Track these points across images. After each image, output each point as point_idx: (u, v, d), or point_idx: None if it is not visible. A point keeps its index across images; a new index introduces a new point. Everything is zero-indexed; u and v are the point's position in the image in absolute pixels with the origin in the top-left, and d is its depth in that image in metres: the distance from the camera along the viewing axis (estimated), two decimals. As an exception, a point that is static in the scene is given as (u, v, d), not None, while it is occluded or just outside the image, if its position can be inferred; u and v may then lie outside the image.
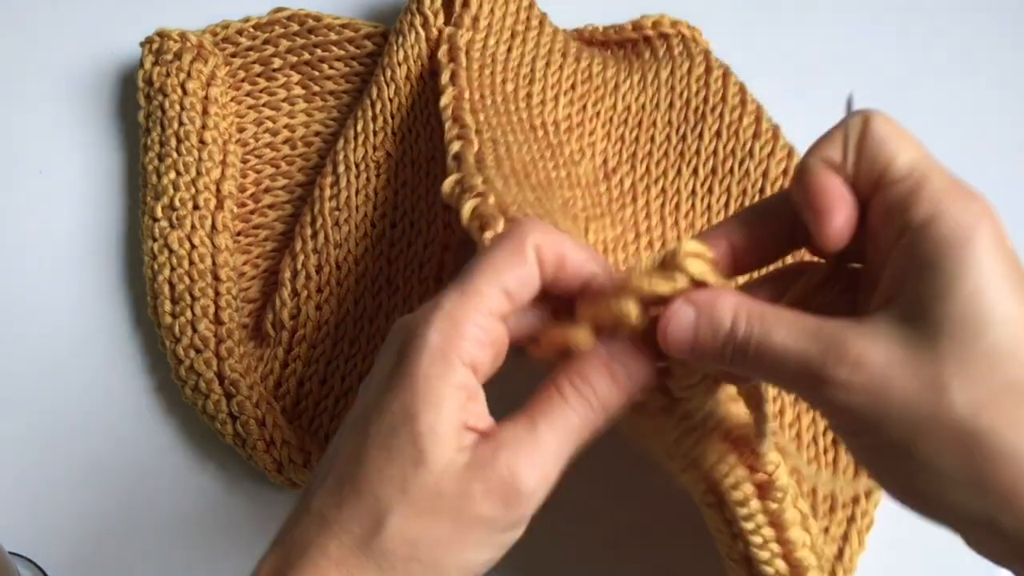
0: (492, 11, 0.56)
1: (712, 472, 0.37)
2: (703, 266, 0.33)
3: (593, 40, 0.61)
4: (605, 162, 0.56)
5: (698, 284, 0.33)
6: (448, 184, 0.43)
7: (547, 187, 0.49)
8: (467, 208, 0.42)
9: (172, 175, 0.55)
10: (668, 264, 0.33)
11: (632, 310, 0.33)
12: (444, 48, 0.53)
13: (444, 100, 0.49)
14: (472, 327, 0.32)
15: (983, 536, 0.30)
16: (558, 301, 0.35)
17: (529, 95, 0.55)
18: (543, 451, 0.32)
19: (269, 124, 0.60)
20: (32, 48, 0.63)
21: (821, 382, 0.30)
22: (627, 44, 0.61)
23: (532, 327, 0.35)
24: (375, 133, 0.56)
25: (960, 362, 0.28)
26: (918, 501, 0.31)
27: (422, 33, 0.57)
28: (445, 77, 0.51)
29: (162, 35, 0.59)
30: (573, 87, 0.57)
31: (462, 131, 0.47)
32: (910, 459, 0.29)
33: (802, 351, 0.30)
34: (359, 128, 0.56)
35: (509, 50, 0.56)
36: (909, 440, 0.29)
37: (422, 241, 0.55)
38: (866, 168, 0.32)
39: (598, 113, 0.58)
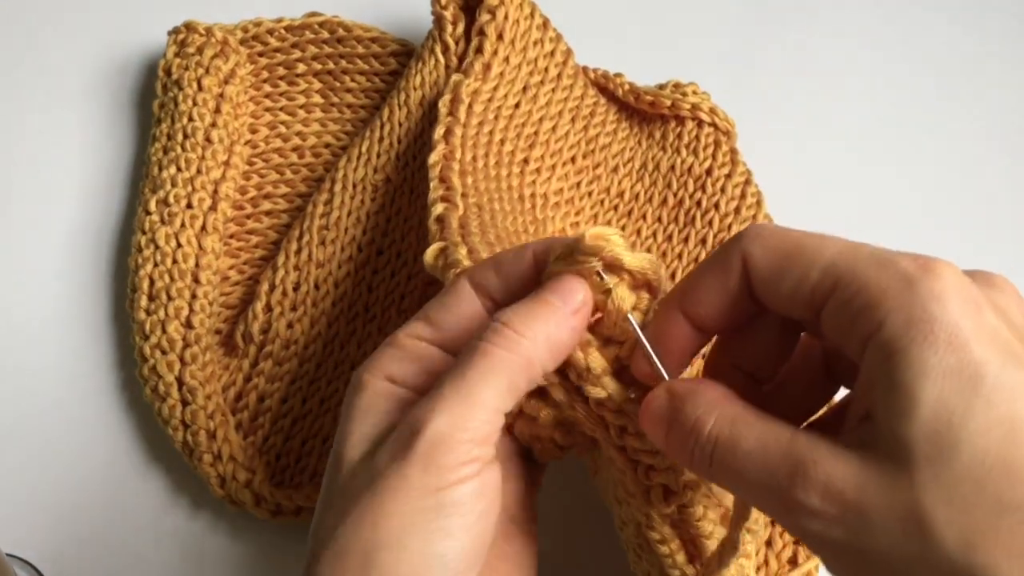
0: (507, 59, 0.54)
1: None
2: (615, 246, 0.31)
3: (615, 97, 0.59)
4: None
5: (614, 266, 0.32)
6: (431, 254, 0.41)
7: None
8: None
9: (172, 170, 0.55)
10: (576, 250, 0.32)
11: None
12: (446, 97, 0.51)
13: (433, 157, 0.47)
14: (388, 351, 0.33)
15: None
16: None
17: (526, 160, 0.53)
18: (443, 391, 0.30)
19: (282, 129, 0.59)
20: (69, 32, 0.64)
21: (791, 506, 0.27)
22: (646, 113, 0.59)
23: None
24: (379, 155, 0.55)
25: (940, 488, 0.24)
26: None
27: (441, 60, 0.56)
28: (439, 132, 0.49)
29: (189, 27, 0.59)
30: (573, 160, 0.55)
31: (447, 193, 0.45)
32: None
33: (769, 462, 0.27)
34: (364, 148, 0.55)
35: (517, 105, 0.53)
36: None
37: (407, 272, 0.54)
38: (782, 299, 0.29)
39: (590, 193, 0.55)
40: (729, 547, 0.33)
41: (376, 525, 0.29)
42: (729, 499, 0.35)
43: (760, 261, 0.29)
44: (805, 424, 0.32)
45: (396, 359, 0.33)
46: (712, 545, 0.35)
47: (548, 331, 0.31)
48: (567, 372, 0.33)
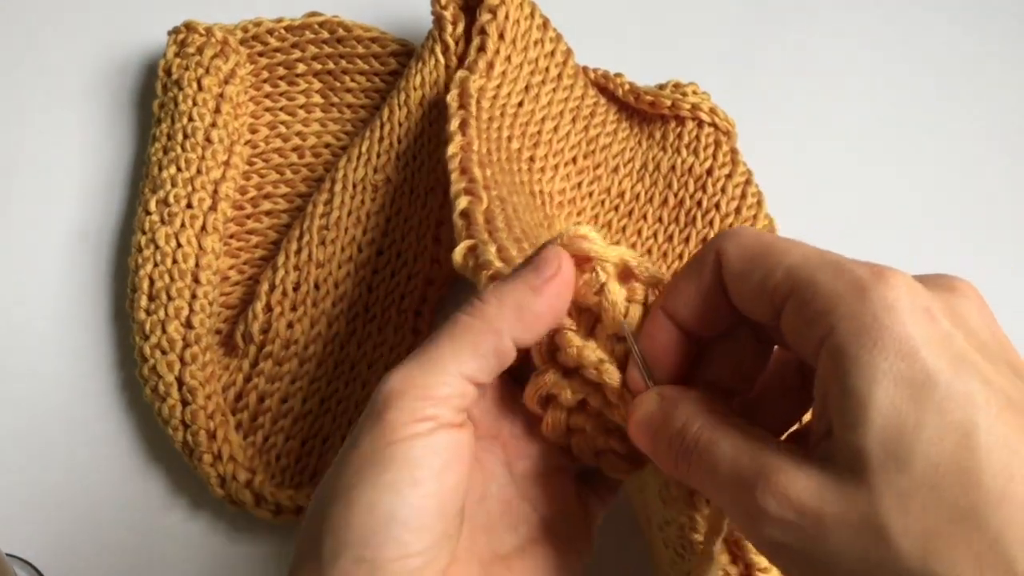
0: (509, 58, 0.54)
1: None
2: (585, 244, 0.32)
3: (615, 97, 0.59)
4: None
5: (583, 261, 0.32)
6: (460, 253, 0.40)
7: None
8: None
9: (172, 170, 0.54)
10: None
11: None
12: (455, 92, 0.50)
13: (451, 149, 0.46)
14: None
15: None
16: None
17: (532, 159, 0.53)
18: (412, 356, 0.30)
19: (282, 129, 0.59)
20: (69, 32, 0.64)
21: (752, 511, 0.27)
22: (646, 113, 0.58)
23: None
24: (379, 155, 0.55)
25: (896, 496, 0.24)
26: None
27: (441, 60, 0.56)
28: (454, 124, 0.48)
29: (189, 27, 0.59)
30: (574, 160, 0.55)
31: (470, 185, 0.44)
32: None
33: (737, 467, 0.27)
34: (364, 148, 0.55)
35: (520, 104, 0.53)
36: None
37: (407, 272, 0.54)
38: (747, 298, 0.29)
39: (591, 194, 0.55)
40: (705, 559, 0.34)
41: (332, 480, 0.29)
42: None
43: (732, 259, 0.29)
44: (785, 436, 0.32)
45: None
46: (751, 545, 0.35)
47: (516, 298, 0.31)
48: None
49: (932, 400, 0.25)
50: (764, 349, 0.32)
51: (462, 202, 0.42)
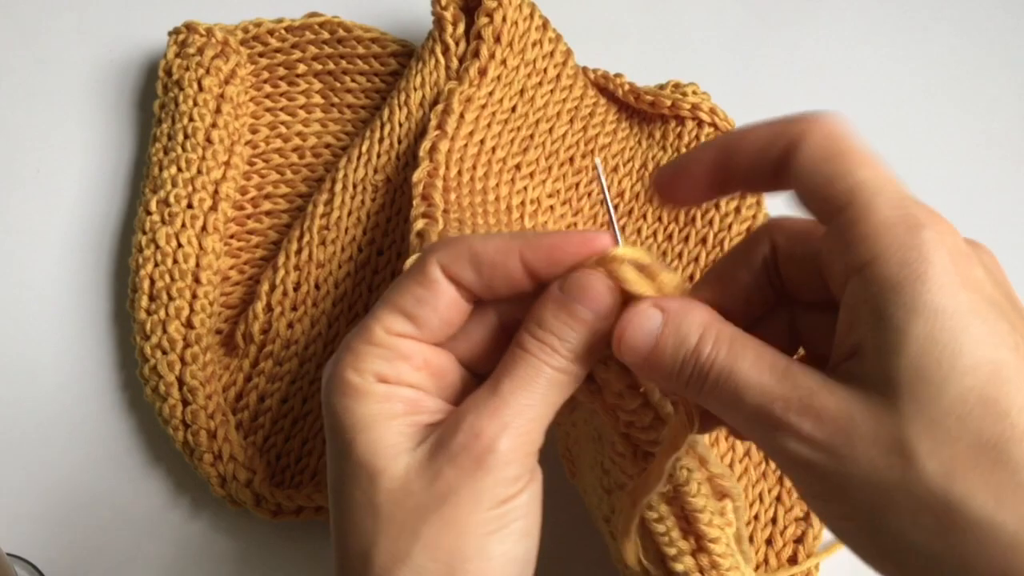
0: (504, 62, 0.54)
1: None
2: (630, 273, 0.31)
3: (615, 97, 0.59)
4: None
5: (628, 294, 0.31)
6: (410, 264, 0.42)
7: None
8: None
9: (173, 170, 0.55)
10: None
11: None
12: (438, 108, 0.51)
13: (416, 175, 0.48)
14: (370, 349, 0.32)
15: None
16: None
17: (518, 166, 0.53)
18: (508, 407, 0.31)
19: (282, 129, 0.59)
20: (69, 32, 0.64)
21: (780, 428, 0.27)
22: (646, 113, 0.59)
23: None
24: (379, 156, 0.55)
25: (925, 422, 0.26)
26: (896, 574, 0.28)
27: (441, 61, 0.56)
28: (424, 147, 0.49)
29: (189, 27, 0.59)
30: (571, 160, 0.55)
31: (428, 209, 0.46)
32: (881, 533, 0.27)
33: (766, 388, 0.28)
34: (364, 148, 0.55)
35: (513, 109, 0.54)
36: (878, 512, 0.26)
37: (407, 272, 0.54)
38: (807, 186, 0.29)
39: (589, 194, 0.56)
40: (655, 477, 0.34)
41: (459, 539, 0.30)
42: (714, 465, 0.37)
43: (810, 143, 0.29)
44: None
45: (382, 358, 0.32)
46: (704, 518, 0.36)
47: (595, 348, 0.32)
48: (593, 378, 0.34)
49: (967, 335, 0.26)
50: (794, 340, 0.33)
51: (419, 224, 0.45)
